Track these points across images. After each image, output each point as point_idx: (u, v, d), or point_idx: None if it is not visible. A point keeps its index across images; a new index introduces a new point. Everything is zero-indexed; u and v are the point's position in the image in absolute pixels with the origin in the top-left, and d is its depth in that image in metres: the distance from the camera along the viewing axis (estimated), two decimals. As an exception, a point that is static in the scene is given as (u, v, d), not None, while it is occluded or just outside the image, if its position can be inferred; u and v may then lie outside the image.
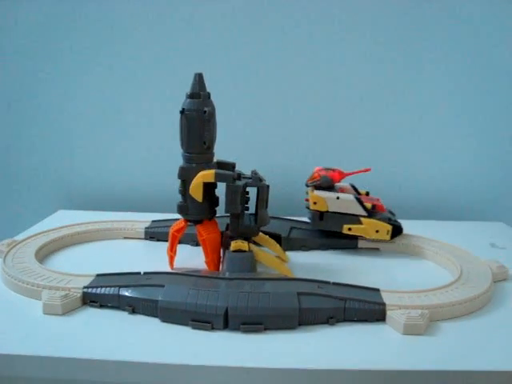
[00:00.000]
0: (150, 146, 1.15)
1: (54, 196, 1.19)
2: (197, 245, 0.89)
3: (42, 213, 1.12)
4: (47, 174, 1.18)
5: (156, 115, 1.12)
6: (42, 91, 1.14)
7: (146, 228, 0.96)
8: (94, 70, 1.12)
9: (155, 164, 1.15)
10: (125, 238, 0.96)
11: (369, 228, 0.88)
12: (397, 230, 0.89)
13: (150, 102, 1.12)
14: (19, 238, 0.89)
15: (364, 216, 0.88)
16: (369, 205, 0.89)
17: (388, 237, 0.89)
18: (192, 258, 0.84)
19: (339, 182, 0.92)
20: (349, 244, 0.92)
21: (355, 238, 0.92)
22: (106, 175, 1.18)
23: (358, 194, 0.94)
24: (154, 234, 0.95)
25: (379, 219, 0.88)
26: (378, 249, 0.92)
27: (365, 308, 0.65)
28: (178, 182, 0.78)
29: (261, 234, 0.81)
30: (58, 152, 1.17)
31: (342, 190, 0.92)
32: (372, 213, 0.89)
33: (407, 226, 0.92)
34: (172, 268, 0.81)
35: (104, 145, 1.16)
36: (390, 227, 0.88)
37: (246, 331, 0.63)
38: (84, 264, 0.82)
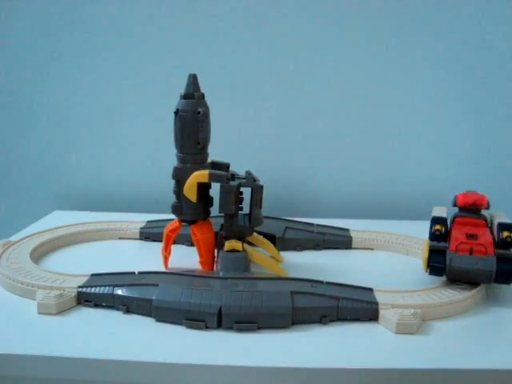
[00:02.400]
0: (145, 147, 1.15)
1: (49, 196, 1.19)
2: (191, 245, 0.89)
3: (38, 213, 1.12)
4: (43, 175, 1.18)
5: (150, 116, 1.13)
6: (37, 92, 1.14)
7: (141, 228, 0.96)
8: (90, 72, 1.12)
9: (150, 164, 1.15)
10: (120, 238, 0.96)
11: None
12: None
13: (144, 103, 1.12)
14: (14, 238, 0.89)
15: None
16: None
17: None
18: (186, 258, 0.84)
19: None
20: (343, 244, 0.92)
21: (349, 237, 0.92)
22: (101, 176, 1.18)
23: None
24: (149, 234, 0.95)
25: None
26: (371, 249, 0.92)
27: (358, 307, 0.66)
28: (172, 182, 0.78)
29: (255, 234, 0.81)
30: (54, 152, 1.17)
31: None
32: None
33: (402, 226, 0.92)
34: (166, 268, 0.81)
35: (99, 146, 1.16)
36: None
37: (239, 330, 0.63)
38: (79, 264, 0.82)
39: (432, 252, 0.72)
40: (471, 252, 0.69)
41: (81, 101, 1.14)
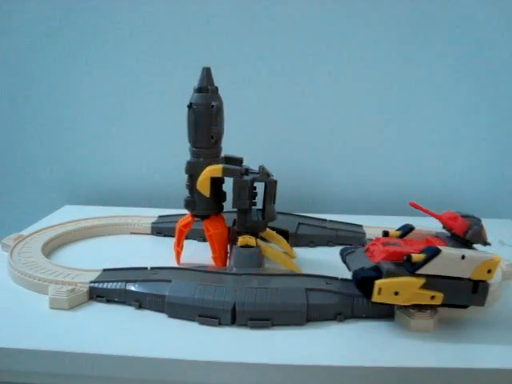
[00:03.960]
0: (157, 141, 1.14)
1: (59, 191, 1.19)
2: (204, 240, 0.89)
3: (48, 208, 1.11)
4: (53, 169, 1.18)
5: (163, 109, 1.12)
6: (48, 86, 1.14)
7: (152, 223, 0.96)
8: (101, 65, 1.12)
9: (161, 159, 1.15)
10: (131, 233, 0.96)
11: None
12: None
13: (156, 97, 1.12)
14: (25, 232, 0.89)
15: None
16: None
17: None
18: (199, 253, 0.84)
19: None
20: (356, 240, 0.91)
21: (363, 233, 0.91)
22: (112, 170, 1.17)
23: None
24: (160, 229, 0.95)
25: None
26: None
27: (373, 305, 0.65)
28: (185, 177, 0.77)
29: (268, 229, 0.80)
30: (64, 147, 1.17)
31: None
32: None
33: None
34: (179, 263, 0.81)
35: (110, 140, 1.16)
36: None
37: (253, 327, 0.63)
38: (90, 259, 0.82)
39: None
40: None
41: (93, 95, 1.14)
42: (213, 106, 0.73)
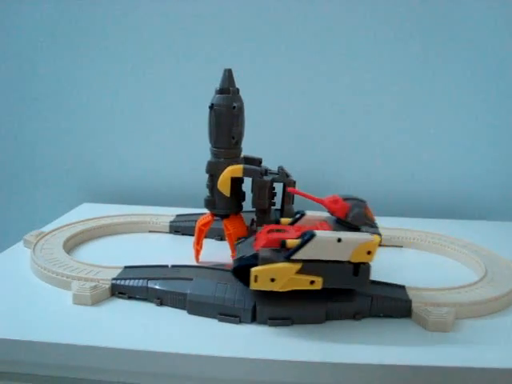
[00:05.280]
0: (174, 141, 1.15)
1: (78, 189, 1.20)
2: (221, 239, 0.90)
3: (67, 206, 1.13)
4: (72, 167, 1.20)
5: (181, 110, 1.13)
6: (68, 86, 1.15)
7: (170, 222, 0.97)
8: (121, 65, 1.13)
9: (178, 159, 1.16)
10: (150, 231, 0.97)
11: None
12: None
13: (176, 97, 1.13)
14: (46, 229, 0.91)
15: None
16: None
17: None
18: (217, 252, 0.85)
19: None
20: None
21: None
22: (129, 169, 1.18)
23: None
24: (178, 227, 0.96)
25: None
26: (400, 246, 0.92)
27: (391, 304, 0.66)
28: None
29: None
30: (84, 146, 1.18)
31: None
32: None
33: (432, 224, 0.92)
34: (198, 262, 0.82)
35: (128, 139, 1.17)
36: None
37: (272, 325, 0.64)
38: (111, 256, 0.83)
39: None
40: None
41: (112, 94, 1.15)
42: (234, 107, 0.74)
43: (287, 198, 0.77)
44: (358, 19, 1.06)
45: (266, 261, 0.61)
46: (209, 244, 0.87)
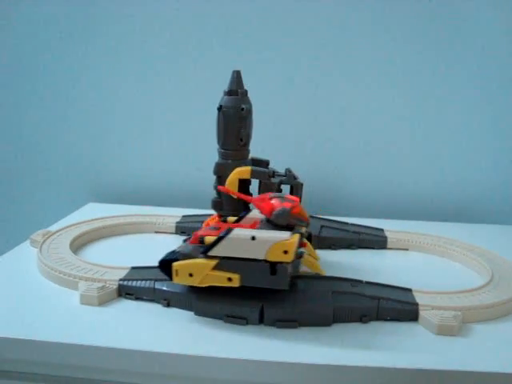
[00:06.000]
0: (183, 142, 1.15)
1: (84, 189, 1.20)
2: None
3: (72, 205, 1.13)
4: (78, 167, 1.20)
5: (188, 111, 1.13)
6: (73, 86, 1.15)
7: (176, 223, 0.97)
8: (129, 66, 1.13)
9: (185, 160, 1.15)
10: (156, 232, 0.97)
11: None
12: None
13: (183, 98, 1.12)
14: (52, 229, 0.91)
15: None
16: None
17: None
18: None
19: None
20: (378, 244, 0.92)
21: (384, 237, 0.92)
22: (135, 169, 1.18)
23: None
24: (184, 228, 0.96)
25: None
26: (406, 249, 0.92)
27: (398, 307, 0.66)
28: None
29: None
30: (90, 146, 1.18)
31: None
32: None
33: (438, 227, 0.91)
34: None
35: (135, 139, 1.17)
36: None
37: (280, 327, 0.64)
38: (117, 256, 0.83)
39: None
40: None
41: (118, 95, 1.15)
42: (243, 108, 0.74)
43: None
44: (367, 19, 1.06)
45: (185, 256, 0.63)
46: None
